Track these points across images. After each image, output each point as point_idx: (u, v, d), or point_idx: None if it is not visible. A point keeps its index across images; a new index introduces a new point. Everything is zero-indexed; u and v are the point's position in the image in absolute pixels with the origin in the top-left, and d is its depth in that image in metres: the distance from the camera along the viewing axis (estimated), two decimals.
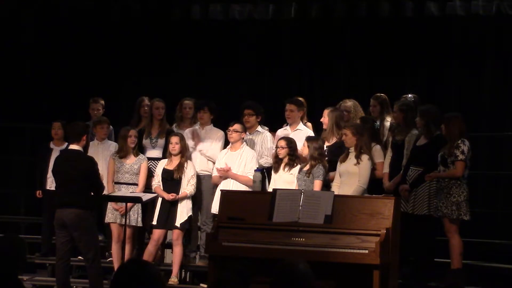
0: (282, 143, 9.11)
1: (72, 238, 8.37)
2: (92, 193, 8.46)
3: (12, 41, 12.64)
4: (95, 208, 8.72)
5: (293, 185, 8.89)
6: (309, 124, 10.00)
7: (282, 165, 9.09)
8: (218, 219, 8.21)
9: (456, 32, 11.49)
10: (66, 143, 10.45)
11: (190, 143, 9.76)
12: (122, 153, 9.60)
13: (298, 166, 9.03)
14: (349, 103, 9.71)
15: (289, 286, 4.58)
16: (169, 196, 9.35)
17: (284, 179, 9.01)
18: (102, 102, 10.73)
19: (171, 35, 12.43)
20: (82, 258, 8.91)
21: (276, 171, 9.14)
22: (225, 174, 9.36)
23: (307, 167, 8.91)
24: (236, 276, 4.81)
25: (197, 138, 9.80)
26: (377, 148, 9.19)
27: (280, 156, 9.09)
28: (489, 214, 10.60)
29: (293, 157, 9.07)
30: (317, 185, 8.80)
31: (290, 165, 9.06)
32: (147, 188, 9.67)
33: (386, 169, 9.12)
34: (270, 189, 8.96)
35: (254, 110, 9.76)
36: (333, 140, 9.34)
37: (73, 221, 8.24)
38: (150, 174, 9.81)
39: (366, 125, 9.17)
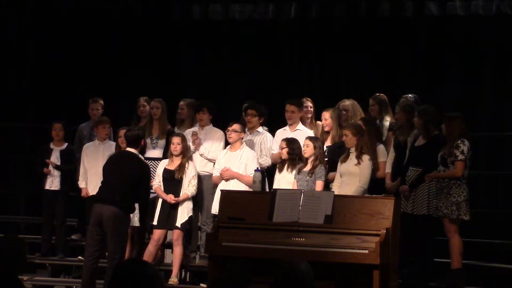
0: (283, 144, 9.13)
1: (102, 239, 8.32)
2: (135, 197, 8.41)
3: (12, 41, 12.64)
4: (133, 211, 8.71)
5: (295, 186, 8.89)
6: (318, 122, 9.94)
7: (286, 165, 9.10)
8: (218, 219, 8.21)
9: (456, 32, 11.49)
10: (66, 144, 10.47)
11: (190, 145, 9.75)
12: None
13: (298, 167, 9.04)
14: (347, 102, 9.72)
15: (290, 286, 4.58)
16: (171, 200, 9.33)
17: (287, 180, 9.02)
18: (102, 102, 10.74)
19: (171, 35, 12.44)
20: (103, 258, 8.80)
21: (280, 171, 9.15)
22: (230, 175, 9.33)
23: (308, 167, 8.92)
24: (235, 276, 4.81)
25: (197, 140, 9.77)
26: (380, 148, 9.20)
27: (283, 157, 9.11)
28: (489, 214, 10.60)
29: (295, 157, 9.07)
30: (319, 185, 8.81)
31: (293, 165, 9.06)
32: None
33: (388, 169, 9.13)
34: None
35: (258, 110, 9.76)
36: (338, 140, 9.33)
37: (109, 219, 8.18)
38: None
39: (370, 125, 9.18)
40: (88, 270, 8.34)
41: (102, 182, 8.53)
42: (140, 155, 8.90)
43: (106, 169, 8.53)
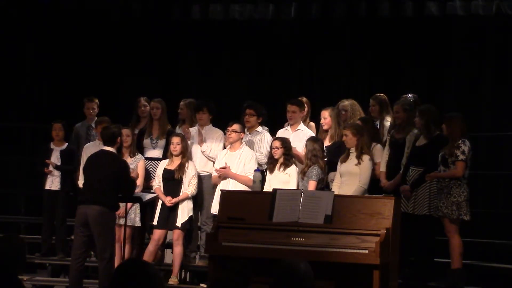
0: (277, 143, 9.11)
1: (89, 239, 8.37)
2: (119, 195, 8.48)
3: (13, 40, 12.64)
4: (118, 209, 8.74)
5: (289, 185, 8.88)
6: (312, 124, 9.99)
7: (278, 165, 9.10)
8: (218, 219, 8.21)
9: (456, 32, 11.49)
10: (66, 144, 10.48)
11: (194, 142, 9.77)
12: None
13: (293, 166, 9.05)
14: (347, 102, 9.72)
15: (290, 286, 4.58)
16: (168, 203, 9.32)
17: (280, 179, 9.01)
18: (97, 101, 10.75)
19: (171, 35, 12.44)
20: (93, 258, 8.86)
21: (272, 171, 9.14)
22: (225, 173, 9.36)
23: (304, 168, 8.95)
24: (236, 276, 4.81)
25: (199, 137, 9.79)
26: (378, 148, 9.19)
27: (276, 157, 9.09)
28: (489, 214, 10.60)
29: (288, 157, 9.07)
30: (311, 185, 8.82)
31: (286, 165, 9.06)
32: (147, 188, 9.68)
33: (383, 168, 9.12)
34: (265, 190, 8.96)
35: (256, 110, 9.77)
36: (337, 139, 9.34)
37: (95, 218, 8.24)
38: (149, 176, 9.81)
39: (367, 125, 9.17)
40: (75, 271, 8.43)
41: (83, 184, 8.62)
42: (119, 153, 8.91)
43: (86, 170, 8.64)
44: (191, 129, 9.98)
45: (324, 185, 9.04)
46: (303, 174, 8.94)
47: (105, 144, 8.61)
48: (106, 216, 8.31)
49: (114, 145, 8.53)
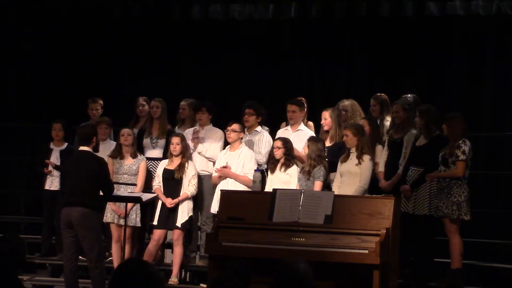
0: (278, 143, 9.12)
1: (77, 239, 8.41)
2: (100, 194, 8.52)
3: (12, 41, 12.63)
4: (102, 208, 8.75)
5: (290, 185, 8.88)
6: (310, 123, 10.00)
7: (279, 165, 9.09)
8: (218, 219, 8.21)
9: (456, 32, 11.49)
10: (66, 144, 10.48)
11: (189, 143, 9.76)
12: (115, 153, 9.64)
13: (295, 166, 9.04)
14: (347, 102, 9.72)
15: (290, 286, 4.58)
16: (169, 205, 9.32)
17: (281, 179, 9.01)
18: (101, 102, 10.74)
19: (171, 35, 12.43)
20: (85, 258, 8.88)
21: (273, 171, 9.14)
22: (225, 173, 9.35)
23: (306, 167, 8.93)
24: (235, 276, 4.81)
25: (196, 139, 9.78)
26: (378, 148, 9.20)
27: (277, 157, 9.09)
28: (489, 214, 10.59)
29: (289, 157, 9.07)
30: (318, 185, 8.81)
31: (287, 165, 9.06)
32: (147, 188, 9.67)
33: (381, 168, 9.12)
34: (266, 190, 8.96)
35: (255, 110, 9.76)
36: (338, 139, 9.34)
37: (78, 220, 8.29)
38: (150, 175, 9.81)
39: (372, 124, 9.19)
40: (69, 272, 8.50)
41: (64, 186, 8.61)
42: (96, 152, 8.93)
43: (66, 172, 8.69)
44: (191, 128, 9.97)
45: (326, 185, 9.04)
46: (307, 174, 8.91)
47: (80, 144, 8.64)
48: (89, 217, 8.35)
49: (90, 144, 8.55)
